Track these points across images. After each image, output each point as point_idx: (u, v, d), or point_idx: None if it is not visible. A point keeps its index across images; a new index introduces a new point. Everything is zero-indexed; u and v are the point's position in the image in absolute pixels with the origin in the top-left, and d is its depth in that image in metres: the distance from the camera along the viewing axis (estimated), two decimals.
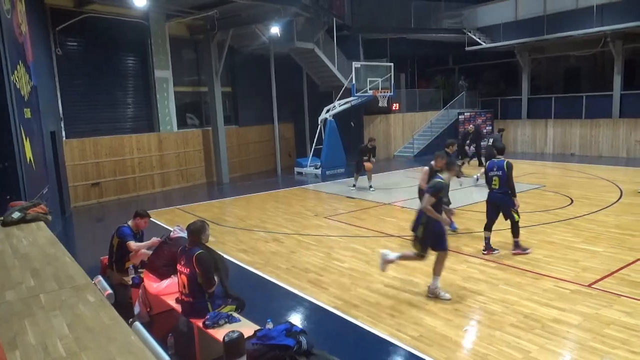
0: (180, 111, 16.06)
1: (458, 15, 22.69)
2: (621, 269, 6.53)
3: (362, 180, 13.68)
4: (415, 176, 15.60)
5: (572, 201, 10.94)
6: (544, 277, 6.37)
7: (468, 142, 15.81)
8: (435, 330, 5.02)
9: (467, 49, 22.31)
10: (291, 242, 8.63)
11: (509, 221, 7.32)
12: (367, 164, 13.21)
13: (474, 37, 22.07)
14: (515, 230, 7.34)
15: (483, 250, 7.49)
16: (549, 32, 19.52)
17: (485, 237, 7.53)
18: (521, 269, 6.72)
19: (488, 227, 7.51)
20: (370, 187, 13.31)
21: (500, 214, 7.38)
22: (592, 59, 20.64)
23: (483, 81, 24.61)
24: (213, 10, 13.79)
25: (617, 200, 10.94)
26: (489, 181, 7.40)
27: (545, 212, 10.00)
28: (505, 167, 7.19)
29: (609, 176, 14.05)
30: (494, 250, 7.44)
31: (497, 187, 7.28)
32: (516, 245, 7.40)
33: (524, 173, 15.41)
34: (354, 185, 13.73)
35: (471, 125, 16.64)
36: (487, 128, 22.69)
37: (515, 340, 4.74)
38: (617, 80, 18.98)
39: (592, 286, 6.00)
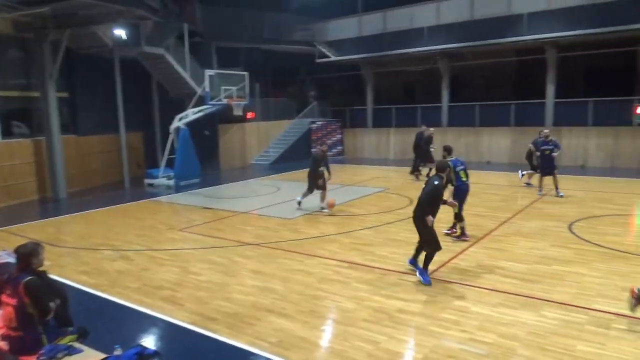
0: (5, 119, 14.05)
1: (309, 28, 23.71)
2: (452, 259, 7.41)
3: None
4: (274, 184, 15.87)
5: (411, 202, 12.10)
6: (391, 272, 6.93)
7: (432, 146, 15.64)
8: (294, 334, 5.13)
9: (317, 61, 23.44)
10: (142, 258, 8.09)
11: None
12: (331, 201, 11.08)
13: (323, 50, 23.27)
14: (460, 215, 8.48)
15: (462, 236, 8.48)
16: (388, 49, 21.47)
17: (461, 227, 8.50)
18: (371, 266, 7.22)
19: (460, 216, 8.43)
20: (323, 208, 11.11)
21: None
22: (426, 74, 23.16)
23: (333, 92, 26.03)
24: (44, 6, 12.34)
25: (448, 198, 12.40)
26: (458, 176, 8.34)
27: (389, 213, 10.91)
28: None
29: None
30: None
31: (465, 178, 8.50)
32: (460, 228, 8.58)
33: (370, 177, 16.64)
34: (300, 203, 11.34)
35: (432, 129, 16.46)
36: (337, 136, 24.08)
37: (367, 334, 5.06)
38: (445, 94, 21.62)
39: (430, 276, 6.69)
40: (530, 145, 13.41)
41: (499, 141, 20.05)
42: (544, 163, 12.25)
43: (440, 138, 21.36)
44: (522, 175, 13.75)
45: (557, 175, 12.09)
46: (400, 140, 22.90)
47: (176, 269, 7.43)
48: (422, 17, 20.88)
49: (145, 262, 7.88)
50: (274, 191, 14.57)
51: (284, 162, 21.25)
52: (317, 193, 11.27)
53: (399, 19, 21.52)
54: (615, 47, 17.93)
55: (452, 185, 8.26)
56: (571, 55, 18.91)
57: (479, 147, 20.51)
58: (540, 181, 12.44)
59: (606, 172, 16.42)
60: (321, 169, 11.15)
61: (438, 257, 7.46)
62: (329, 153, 23.32)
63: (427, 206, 6.47)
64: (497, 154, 20.00)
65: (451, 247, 7.97)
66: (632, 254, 7.48)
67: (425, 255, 6.54)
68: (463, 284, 6.32)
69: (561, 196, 11.90)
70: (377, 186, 14.66)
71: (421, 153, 15.86)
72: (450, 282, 6.48)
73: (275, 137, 22.99)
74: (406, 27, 21.19)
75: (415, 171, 15.99)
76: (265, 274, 7.06)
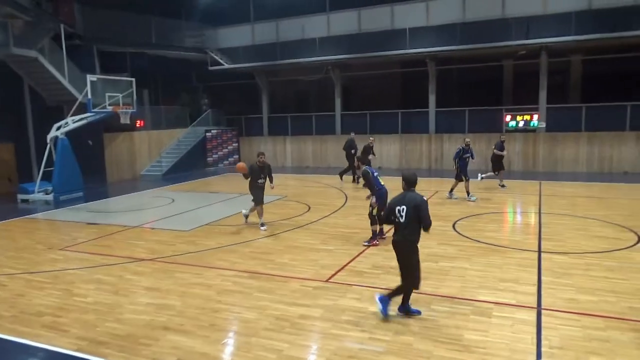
0: None
1: (200, 35, 23.14)
2: (350, 262, 7.65)
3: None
4: (168, 195, 15.15)
5: (309, 208, 12.32)
6: (292, 279, 6.96)
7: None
8: (194, 350, 4.91)
9: (210, 68, 22.94)
10: (17, 283, 7.24)
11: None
12: (240, 165, 10.11)
13: (215, 57, 22.84)
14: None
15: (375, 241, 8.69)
16: (281, 58, 21.71)
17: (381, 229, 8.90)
18: (272, 274, 7.18)
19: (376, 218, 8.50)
20: (262, 225, 10.15)
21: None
22: (319, 83, 23.78)
23: (228, 100, 25.64)
24: None
25: (344, 204, 12.82)
26: (378, 181, 8.74)
27: (288, 220, 10.99)
28: None
29: (337, 184, 16.36)
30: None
31: (383, 183, 8.83)
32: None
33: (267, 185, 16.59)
34: (263, 225, 10.17)
35: (372, 137, 16.26)
36: (233, 145, 23.76)
37: (269, 343, 5.01)
38: (338, 103, 22.37)
39: (330, 280, 6.84)
40: (495, 150, 14.52)
41: (389, 148, 21.18)
42: (464, 169, 12.89)
43: (335, 145, 22.10)
44: (482, 178, 14.47)
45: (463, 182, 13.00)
46: (296, 148, 23.22)
47: (58, 292, 6.76)
48: (313, 27, 21.47)
49: (21, 287, 7.07)
50: (168, 203, 13.93)
51: (177, 172, 20.44)
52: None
53: (291, 28, 21.90)
54: (485, 62, 19.94)
55: (373, 190, 8.58)
56: (449, 68, 20.67)
57: None
58: (466, 185, 12.88)
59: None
60: (260, 180, 10.12)
61: (336, 261, 7.68)
62: (225, 162, 23.32)
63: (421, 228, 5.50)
64: (387, 159, 21.10)
65: (349, 252, 8.22)
66: (506, 247, 8.32)
67: (404, 291, 5.58)
68: (361, 286, 6.54)
69: (455, 199, 12.88)
70: (275, 194, 14.65)
71: (352, 161, 15.90)
72: (350, 284, 6.67)
73: (167, 146, 22.03)
74: (298, 37, 21.64)
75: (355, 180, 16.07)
76: (161, 290, 6.69)
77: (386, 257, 7.87)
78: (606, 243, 8.44)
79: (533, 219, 10.76)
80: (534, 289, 6.34)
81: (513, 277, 6.78)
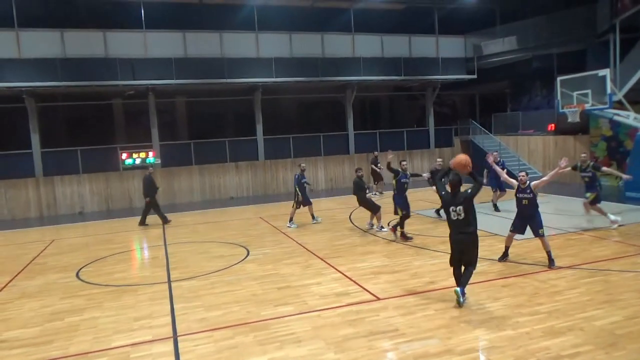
0: None
1: None
2: None
3: None
4: None
5: None
6: None
7: None
8: None
9: None
10: None
11: None
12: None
13: None
14: None
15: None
16: None
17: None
18: None
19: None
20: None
21: None
22: None
23: None
24: None
25: None
26: None
27: None
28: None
29: None
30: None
31: None
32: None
33: None
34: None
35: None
36: None
37: None
38: None
39: None
40: None
41: None
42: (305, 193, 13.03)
43: None
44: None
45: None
46: None
47: None
48: None
49: None
50: None
51: None
52: None
53: None
54: (94, 100, 19.32)
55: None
56: (53, 105, 18.93)
57: None
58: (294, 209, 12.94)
59: (103, 215, 17.35)
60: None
61: None
62: None
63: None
64: None
65: None
66: (137, 284, 8.20)
67: (468, 276, 6.53)
68: None
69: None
70: None
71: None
72: None
73: None
74: None
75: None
76: None
77: None
78: (224, 261, 9.52)
79: (160, 252, 11.02)
80: (169, 319, 6.47)
81: (147, 313, 6.72)
